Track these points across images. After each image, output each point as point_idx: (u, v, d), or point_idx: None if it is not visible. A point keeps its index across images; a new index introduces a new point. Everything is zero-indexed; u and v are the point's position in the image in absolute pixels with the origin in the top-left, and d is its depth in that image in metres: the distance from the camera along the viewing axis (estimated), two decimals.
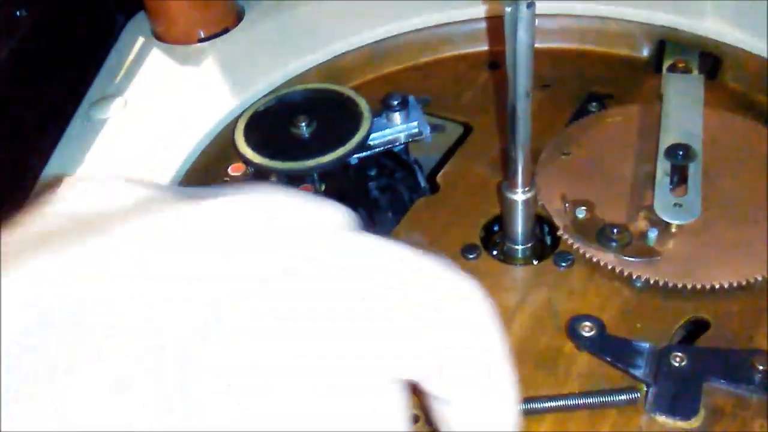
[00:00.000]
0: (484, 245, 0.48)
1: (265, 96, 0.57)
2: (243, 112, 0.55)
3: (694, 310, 0.42)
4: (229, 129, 0.55)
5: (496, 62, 0.62)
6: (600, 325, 0.40)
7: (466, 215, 0.50)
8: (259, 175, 0.52)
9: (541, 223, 0.49)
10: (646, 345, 0.39)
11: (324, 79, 0.60)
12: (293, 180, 0.52)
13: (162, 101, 0.59)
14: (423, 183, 0.54)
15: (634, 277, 0.44)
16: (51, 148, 0.55)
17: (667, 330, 0.42)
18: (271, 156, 0.50)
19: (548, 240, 0.49)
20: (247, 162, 0.52)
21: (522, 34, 0.36)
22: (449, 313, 0.17)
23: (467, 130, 0.57)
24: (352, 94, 0.55)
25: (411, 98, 0.54)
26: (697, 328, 0.42)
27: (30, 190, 0.52)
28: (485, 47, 0.63)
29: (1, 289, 0.15)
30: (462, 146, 0.56)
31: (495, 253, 0.48)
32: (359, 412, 0.16)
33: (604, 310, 0.43)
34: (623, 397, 0.37)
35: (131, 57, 0.64)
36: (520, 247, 0.47)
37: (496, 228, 0.49)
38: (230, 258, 0.16)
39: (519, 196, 0.45)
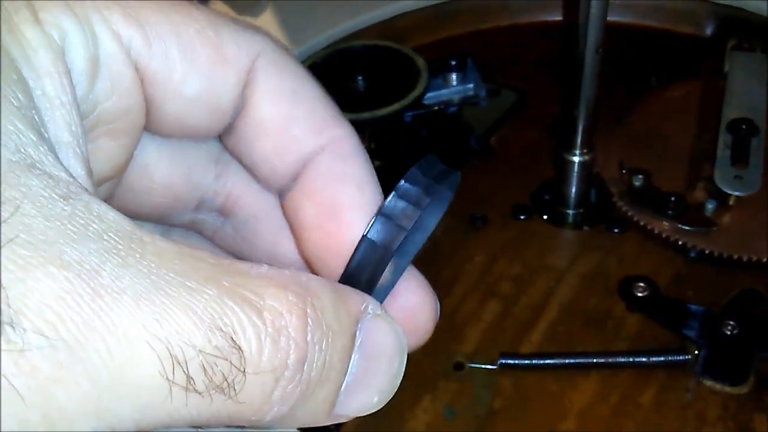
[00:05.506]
0: (534, 208, 0.48)
1: (323, 49, 0.57)
2: (301, 63, 0.55)
3: (748, 283, 0.42)
4: None
5: (553, 33, 0.62)
6: (654, 285, 0.39)
7: (518, 178, 0.50)
8: None
9: (594, 188, 0.48)
10: (700, 308, 0.38)
11: (383, 37, 0.60)
12: None
13: None
14: (474, 145, 0.54)
15: (689, 246, 0.43)
16: None
17: (719, 300, 0.41)
18: None
19: (600, 207, 0.49)
20: None
21: None
22: None
23: (522, 97, 0.57)
24: (410, 52, 0.55)
25: (469, 60, 0.54)
26: (749, 299, 0.42)
27: None
28: (543, 18, 0.63)
29: None
30: (516, 112, 0.56)
31: (545, 217, 0.48)
32: None
33: (657, 277, 0.42)
34: (672, 358, 0.37)
35: None
36: (571, 212, 0.47)
37: (546, 197, 0.49)
38: None
39: (576, 157, 0.45)
